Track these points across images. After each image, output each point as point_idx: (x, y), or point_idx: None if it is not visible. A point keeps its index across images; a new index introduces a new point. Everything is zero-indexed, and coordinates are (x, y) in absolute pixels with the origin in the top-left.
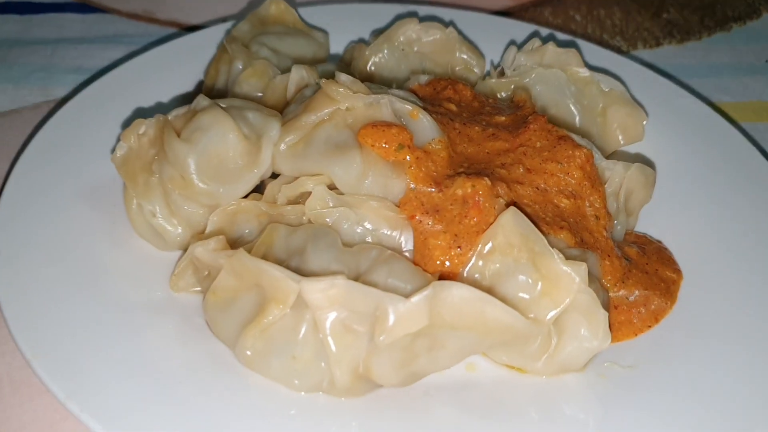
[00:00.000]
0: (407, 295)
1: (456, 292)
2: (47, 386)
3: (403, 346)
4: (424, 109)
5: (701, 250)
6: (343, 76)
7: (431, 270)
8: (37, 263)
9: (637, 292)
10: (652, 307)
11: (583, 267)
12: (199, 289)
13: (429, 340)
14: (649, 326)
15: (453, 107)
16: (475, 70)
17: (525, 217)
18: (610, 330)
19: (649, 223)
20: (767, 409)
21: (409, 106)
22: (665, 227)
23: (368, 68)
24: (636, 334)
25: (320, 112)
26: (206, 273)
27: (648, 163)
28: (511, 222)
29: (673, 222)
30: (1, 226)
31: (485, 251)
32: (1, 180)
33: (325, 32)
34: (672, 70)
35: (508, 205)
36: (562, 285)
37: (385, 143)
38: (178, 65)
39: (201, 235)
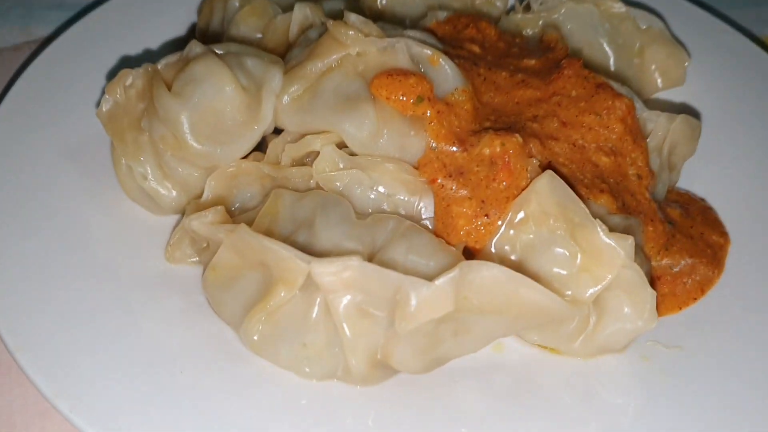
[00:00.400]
0: (430, 275)
1: (486, 273)
2: (34, 383)
3: (426, 331)
4: (445, 53)
5: (749, 210)
6: (352, 16)
7: (455, 241)
8: (17, 235)
9: (682, 260)
10: (698, 277)
11: (629, 241)
12: (197, 259)
13: (455, 324)
14: (695, 299)
15: (476, 48)
16: (498, 4)
17: (563, 183)
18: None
19: (691, 178)
20: None
21: (428, 51)
22: (709, 183)
23: (379, 4)
24: (680, 308)
25: (328, 58)
26: (205, 245)
27: (689, 109)
28: (546, 188)
29: (717, 177)
30: None
31: (516, 220)
32: None
33: None
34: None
35: (542, 167)
36: (605, 260)
37: (403, 95)
38: (169, 3)
39: (198, 201)
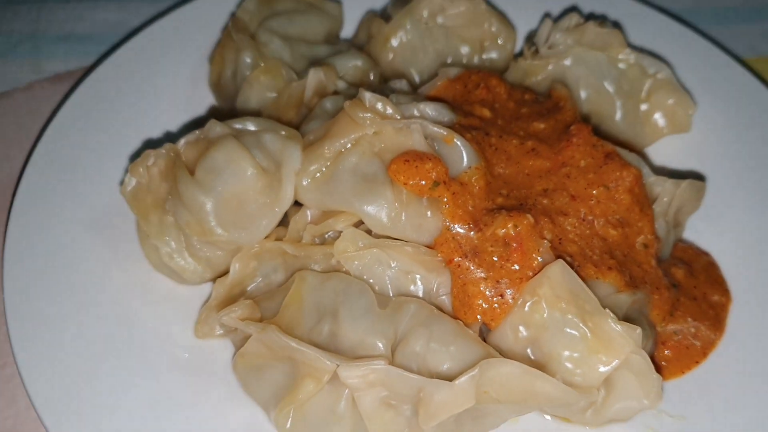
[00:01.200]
0: (451, 362)
1: (504, 370)
2: None
3: (448, 421)
4: (458, 124)
5: (754, 263)
6: (368, 95)
7: (471, 319)
8: (51, 314)
9: (685, 324)
10: (700, 341)
11: (637, 331)
12: (223, 332)
13: (474, 412)
14: (697, 362)
15: (487, 113)
16: (507, 46)
17: (573, 273)
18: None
19: (695, 230)
20: None
21: (443, 131)
22: (713, 235)
23: (388, 52)
24: (683, 372)
25: (344, 138)
26: (233, 328)
27: (695, 174)
28: (558, 276)
29: (722, 229)
30: (9, 266)
31: (530, 301)
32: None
33: (337, 1)
34: (712, 13)
35: (553, 246)
36: (614, 345)
37: (421, 180)
38: (178, 47)
39: (224, 280)
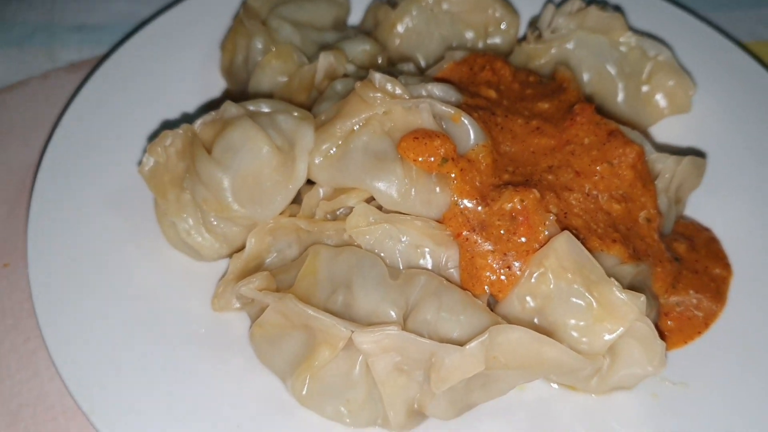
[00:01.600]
0: (461, 329)
1: (513, 335)
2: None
3: (457, 386)
4: (465, 103)
5: (754, 239)
6: (377, 76)
7: (479, 292)
8: (75, 291)
9: (688, 296)
10: (702, 312)
11: (641, 299)
12: (240, 306)
13: (483, 378)
14: (699, 332)
15: (492, 93)
16: (511, 31)
17: (579, 244)
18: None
19: (696, 207)
20: None
21: (451, 110)
22: (714, 211)
23: (395, 38)
24: (686, 342)
25: (355, 117)
26: (250, 300)
27: (696, 151)
28: (564, 247)
29: (722, 206)
30: (33, 245)
31: (537, 273)
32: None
33: None
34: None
35: (558, 220)
36: (619, 313)
37: (430, 156)
38: (190, 34)
39: (240, 255)
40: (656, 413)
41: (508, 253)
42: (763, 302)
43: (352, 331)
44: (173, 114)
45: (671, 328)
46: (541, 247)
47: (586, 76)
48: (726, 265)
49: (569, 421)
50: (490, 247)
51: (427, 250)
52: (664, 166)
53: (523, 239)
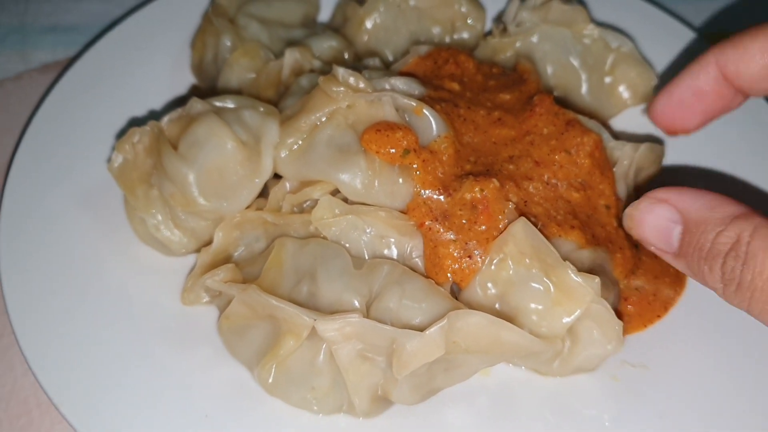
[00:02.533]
0: (423, 316)
1: (471, 320)
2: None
3: (420, 371)
4: (428, 95)
5: None
6: (341, 70)
7: (442, 279)
8: (46, 287)
9: (647, 281)
10: (661, 296)
11: (596, 280)
12: (209, 299)
13: (446, 363)
14: (659, 316)
15: (455, 86)
16: (477, 26)
17: (535, 229)
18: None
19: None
20: None
21: (412, 102)
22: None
23: (363, 34)
24: (646, 326)
25: (319, 111)
26: (218, 293)
27: (656, 138)
28: (521, 233)
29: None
30: (4, 243)
31: (496, 259)
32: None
33: None
34: None
35: (518, 208)
36: (576, 296)
37: (391, 148)
38: (160, 33)
39: (208, 249)
40: (617, 395)
41: (469, 242)
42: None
43: (315, 320)
44: (143, 112)
45: (631, 313)
46: (501, 234)
47: (550, 69)
48: None
49: (532, 404)
50: (452, 237)
51: (392, 240)
52: (621, 153)
53: (484, 227)
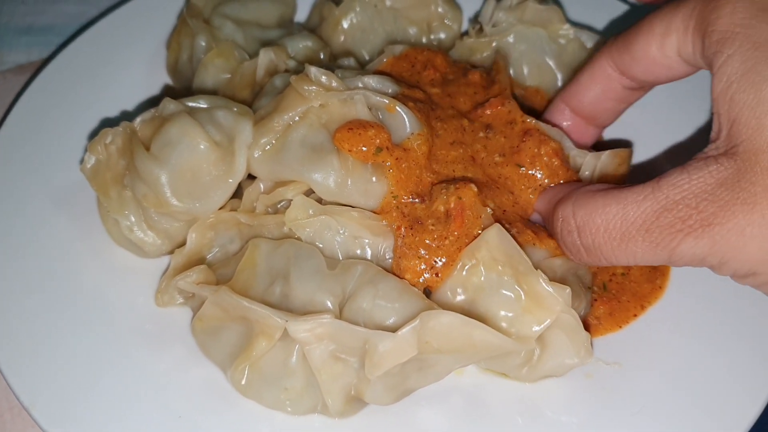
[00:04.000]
0: (396, 316)
1: (443, 320)
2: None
3: (393, 372)
4: (402, 95)
5: None
6: (313, 69)
7: (412, 281)
8: (19, 290)
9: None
10: (632, 295)
11: (567, 291)
12: (183, 301)
13: (419, 363)
14: (635, 315)
15: (431, 89)
16: (454, 26)
17: (509, 236)
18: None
19: None
20: (756, 407)
21: (385, 100)
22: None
23: (339, 34)
24: (621, 326)
25: (292, 111)
26: (191, 294)
27: (625, 143)
28: (495, 239)
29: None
30: None
31: (468, 265)
32: None
33: None
34: None
35: (494, 215)
36: (546, 305)
37: (363, 146)
38: (136, 34)
39: (182, 250)
40: (591, 392)
41: (441, 248)
42: (694, 285)
43: (287, 321)
44: (117, 113)
45: (600, 314)
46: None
47: (526, 69)
48: None
49: (506, 402)
50: (420, 250)
51: (366, 241)
52: (584, 162)
53: (456, 234)
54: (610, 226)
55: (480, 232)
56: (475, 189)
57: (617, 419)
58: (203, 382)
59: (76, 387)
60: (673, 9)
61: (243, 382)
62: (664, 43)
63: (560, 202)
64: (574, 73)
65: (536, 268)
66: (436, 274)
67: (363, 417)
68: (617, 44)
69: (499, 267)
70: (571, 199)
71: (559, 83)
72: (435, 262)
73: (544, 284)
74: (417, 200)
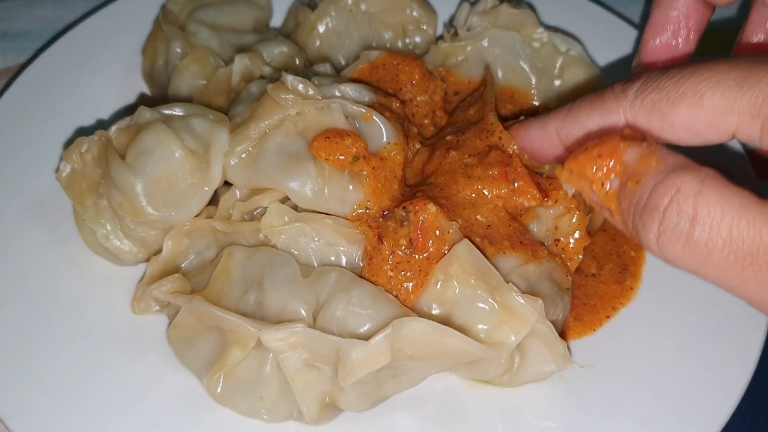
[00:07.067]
0: (370, 323)
1: (416, 327)
2: None
3: (367, 379)
4: (378, 103)
5: None
6: (289, 78)
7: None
8: None
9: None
10: (605, 296)
11: (539, 302)
12: (159, 308)
13: (393, 370)
14: (608, 317)
15: (408, 95)
16: (429, 31)
17: (477, 251)
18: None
19: None
20: (728, 406)
21: (362, 109)
22: None
23: (315, 39)
24: (594, 329)
25: (269, 119)
26: (167, 302)
27: None
28: (466, 254)
29: None
30: None
31: (441, 279)
32: None
33: None
34: None
35: (462, 228)
36: (520, 316)
37: (340, 155)
38: (111, 40)
39: (158, 258)
40: (565, 395)
41: (411, 262)
42: (666, 286)
43: (260, 330)
44: (93, 120)
45: (573, 320)
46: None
47: (500, 73)
48: (639, 247)
49: (480, 407)
50: (390, 273)
51: (341, 248)
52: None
53: (425, 255)
54: (740, 238)
55: (447, 249)
56: (434, 209)
57: (593, 420)
58: (180, 389)
59: (53, 397)
60: (736, 87)
61: (218, 391)
62: (718, 121)
63: (682, 170)
64: (547, 78)
65: (508, 279)
66: (409, 273)
67: (339, 422)
68: (644, 103)
69: (472, 281)
70: (700, 175)
71: (533, 87)
72: (411, 264)
73: (516, 297)
74: (387, 213)
